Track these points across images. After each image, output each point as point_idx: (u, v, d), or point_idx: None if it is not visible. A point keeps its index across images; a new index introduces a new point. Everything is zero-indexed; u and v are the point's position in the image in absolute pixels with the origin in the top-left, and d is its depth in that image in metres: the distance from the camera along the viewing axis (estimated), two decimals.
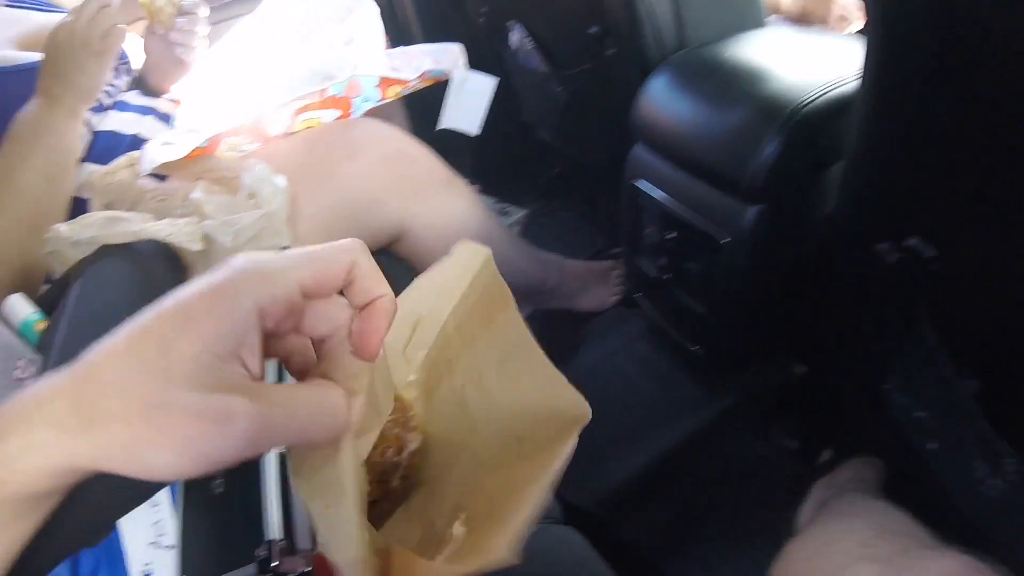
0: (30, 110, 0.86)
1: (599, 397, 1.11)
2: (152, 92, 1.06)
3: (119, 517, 0.52)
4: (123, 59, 1.07)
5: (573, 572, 0.60)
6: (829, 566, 0.55)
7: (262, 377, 0.28)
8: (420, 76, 0.96)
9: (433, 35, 1.08)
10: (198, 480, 0.55)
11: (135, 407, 0.24)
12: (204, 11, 1.00)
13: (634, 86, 0.98)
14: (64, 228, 0.72)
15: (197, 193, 0.78)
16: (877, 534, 0.55)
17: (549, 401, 0.43)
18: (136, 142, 0.95)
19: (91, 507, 0.50)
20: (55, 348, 0.52)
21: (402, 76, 0.93)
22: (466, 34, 1.52)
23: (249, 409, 0.25)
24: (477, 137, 1.10)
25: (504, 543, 0.31)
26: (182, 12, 0.98)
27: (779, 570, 0.60)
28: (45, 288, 0.78)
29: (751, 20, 0.98)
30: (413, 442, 0.48)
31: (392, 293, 0.32)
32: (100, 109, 0.98)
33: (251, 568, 0.51)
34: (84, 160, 0.92)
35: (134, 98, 1.03)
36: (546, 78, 1.21)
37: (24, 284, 0.75)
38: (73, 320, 0.56)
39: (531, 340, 0.44)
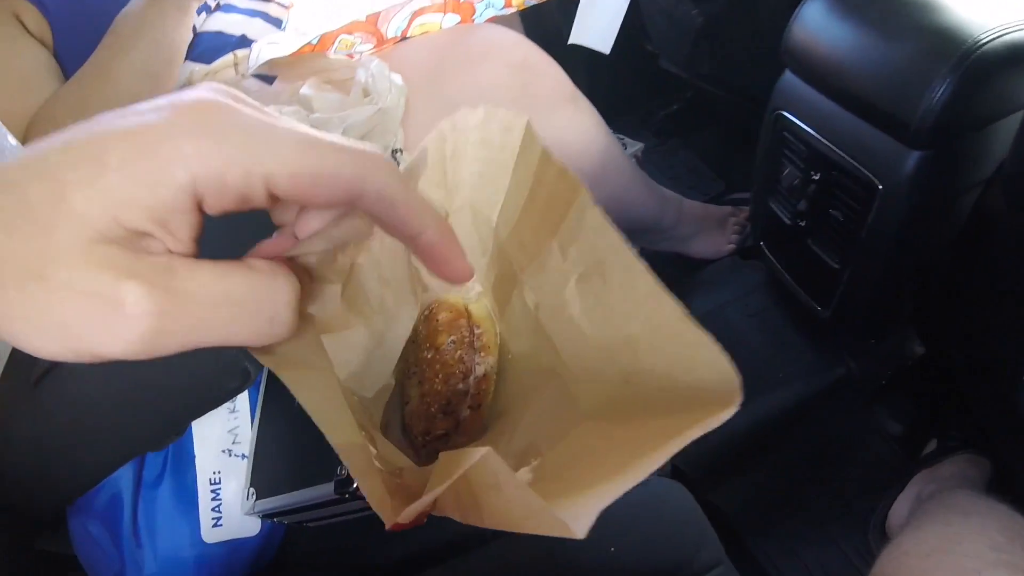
0: (137, 3, 0.84)
1: None
2: None
3: (190, 420, 0.49)
4: None
5: (679, 528, 0.56)
6: (956, 568, 0.48)
7: (192, 253, 0.21)
8: None
9: None
10: (279, 391, 0.51)
11: (9, 272, 0.19)
12: None
13: (781, 11, 0.86)
14: None
15: (306, 89, 0.72)
16: (1010, 539, 0.49)
17: (670, 349, 0.27)
18: (243, 43, 0.92)
19: (157, 408, 0.48)
20: None
21: None
22: None
23: (145, 301, 0.19)
24: (592, 62, 1.01)
25: (576, 514, 0.22)
26: None
27: (891, 563, 0.53)
28: None
29: None
30: (481, 365, 0.41)
31: (438, 224, 0.24)
32: (206, 9, 0.95)
33: (328, 487, 0.47)
34: (186, 59, 0.90)
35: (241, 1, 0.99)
36: (679, 0, 1.09)
37: None
38: None
39: (627, 251, 0.29)
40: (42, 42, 0.84)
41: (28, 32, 0.83)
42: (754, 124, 0.91)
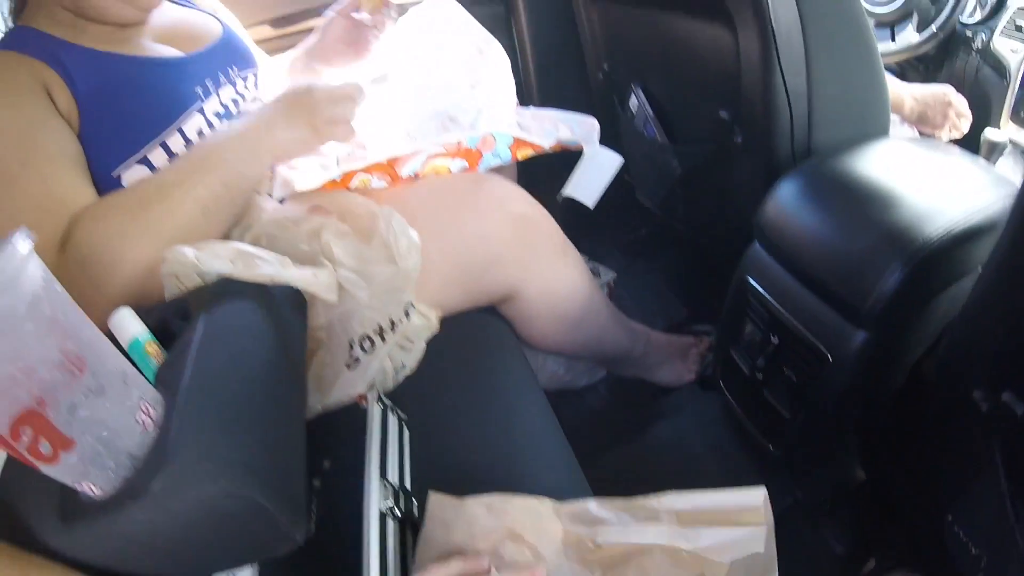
0: (219, 136, 0.85)
1: (665, 475, 1.12)
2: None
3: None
4: (252, 66, 1.08)
5: None
6: None
7: None
8: (554, 144, 0.96)
9: (547, 82, 1.07)
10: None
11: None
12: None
13: (756, 178, 0.98)
14: (190, 253, 0.69)
15: (328, 235, 0.78)
16: None
17: None
18: None
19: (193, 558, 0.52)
20: (182, 393, 0.50)
21: (536, 141, 0.93)
22: (580, 84, 1.57)
23: None
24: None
25: None
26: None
27: None
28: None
29: (879, 125, 0.97)
30: None
31: None
32: (227, 116, 0.98)
33: None
34: None
35: None
36: (661, 148, 1.21)
37: (139, 299, 0.73)
38: (200, 363, 0.54)
39: None
40: (69, 123, 0.83)
41: (58, 111, 0.82)
42: (716, 257, 1.00)
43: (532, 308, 0.98)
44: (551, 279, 0.97)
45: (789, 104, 0.89)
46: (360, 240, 0.80)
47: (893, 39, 1.40)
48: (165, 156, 0.87)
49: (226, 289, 0.67)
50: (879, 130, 0.97)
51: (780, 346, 0.90)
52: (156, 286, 0.71)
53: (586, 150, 0.96)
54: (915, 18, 1.37)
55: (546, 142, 0.93)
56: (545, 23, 1.60)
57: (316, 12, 1.60)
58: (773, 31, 0.84)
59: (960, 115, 1.23)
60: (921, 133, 1.27)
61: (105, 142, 0.83)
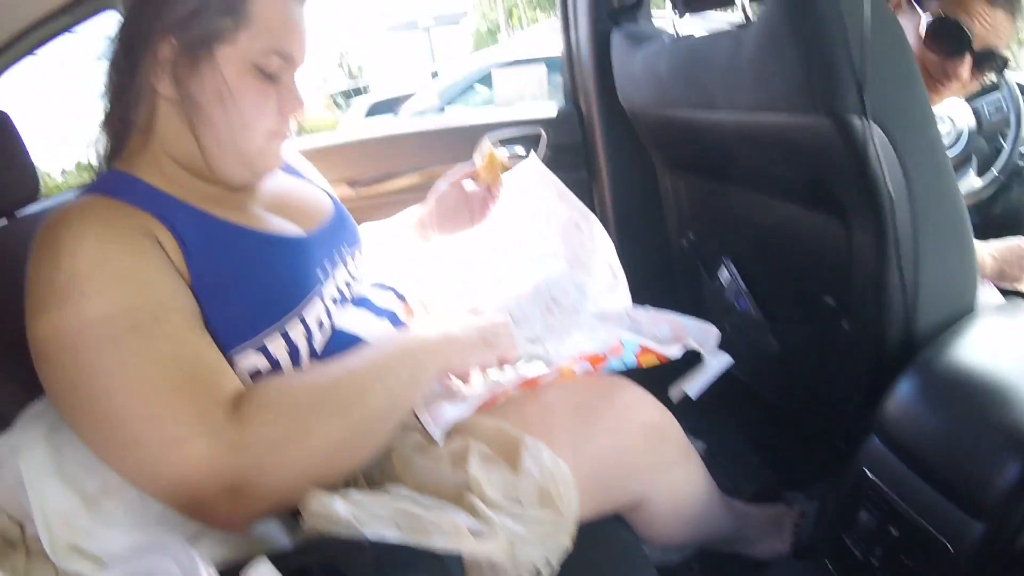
0: (386, 345, 0.84)
1: None
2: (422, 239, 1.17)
3: None
4: (359, 243, 1.07)
5: None
6: None
7: None
8: (677, 353, 0.96)
9: (627, 248, 1.11)
10: None
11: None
12: None
13: (861, 362, 0.99)
14: (343, 509, 0.64)
15: (474, 461, 0.76)
16: None
17: None
18: None
19: None
20: None
21: (663, 352, 0.93)
22: (661, 250, 1.62)
23: None
24: None
25: None
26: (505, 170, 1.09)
27: None
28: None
29: (971, 298, 0.99)
30: None
31: None
32: (343, 300, 0.93)
33: None
34: (313, 355, 0.86)
35: (375, 294, 0.99)
36: (756, 324, 1.22)
37: (288, 503, 0.70)
38: None
39: None
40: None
41: (174, 266, 0.76)
42: (809, 425, 0.99)
43: (657, 513, 0.96)
44: (677, 485, 0.97)
45: (904, 294, 0.91)
46: (508, 468, 0.78)
47: None
48: (285, 346, 0.81)
49: (390, 558, 0.61)
50: (971, 303, 0.99)
51: (899, 537, 0.88)
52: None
53: (706, 357, 0.96)
54: (975, 162, 1.41)
55: (670, 351, 0.94)
56: (627, 190, 1.68)
57: (394, 175, 1.74)
58: (894, 227, 0.88)
59: None
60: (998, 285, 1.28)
61: (219, 321, 0.77)
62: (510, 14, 20.17)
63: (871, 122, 0.84)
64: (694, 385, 0.94)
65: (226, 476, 0.65)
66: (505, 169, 1.12)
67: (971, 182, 1.40)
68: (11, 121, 1.11)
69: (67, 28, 1.45)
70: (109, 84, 0.84)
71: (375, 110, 9.20)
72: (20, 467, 0.70)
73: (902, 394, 0.88)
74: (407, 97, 8.79)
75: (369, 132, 1.91)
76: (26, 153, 1.13)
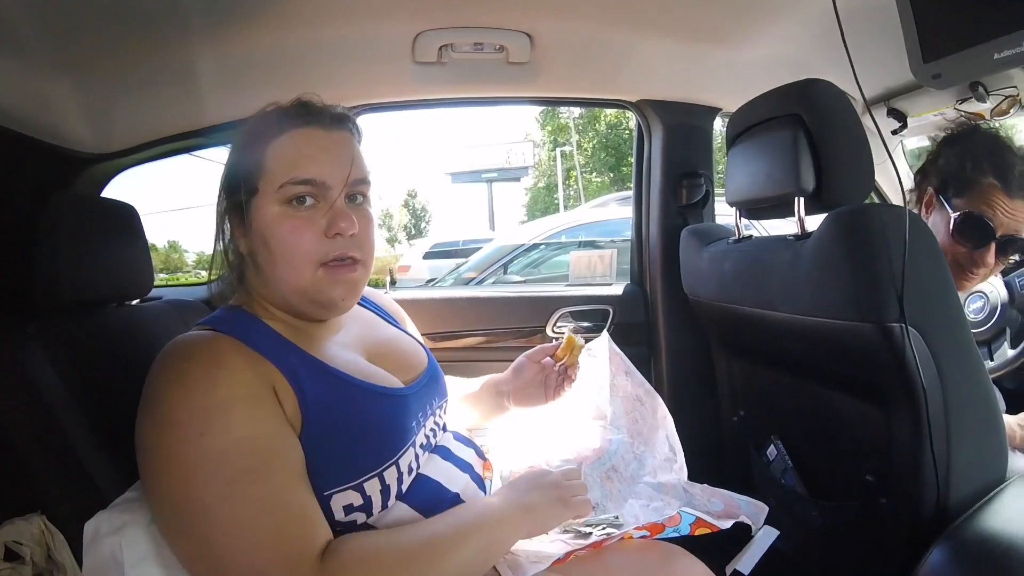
0: (477, 507, 0.92)
1: None
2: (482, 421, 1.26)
3: None
4: (447, 396, 1.15)
5: None
6: None
7: None
8: (728, 525, 1.03)
9: (680, 420, 1.20)
10: None
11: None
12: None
13: (898, 535, 1.09)
14: None
15: None
16: None
17: None
18: (456, 501, 0.97)
19: None
20: None
21: (716, 523, 1.00)
22: (712, 424, 1.73)
23: None
24: None
25: None
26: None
27: None
28: None
29: (1001, 470, 1.09)
30: None
31: None
32: (428, 447, 1.02)
33: None
34: (402, 501, 0.92)
35: (455, 445, 1.08)
36: (801, 499, 1.33)
37: None
38: None
39: None
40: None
41: (286, 416, 0.83)
42: None
43: None
44: None
45: (936, 473, 1.02)
46: None
47: (991, 357, 1.53)
48: (379, 486, 0.88)
49: None
50: (1002, 474, 1.09)
51: None
52: None
53: (757, 533, 1.03)
54: (1008, 334, 1.52)
55: (723, 524, 1.01)
56: (684, 367, 1.85)
57: (466, 334, 1.96)
58: (928, 416, 1.01)
59: None
60: None
61: (324, 464, 0.84)
62: (568, 174, 21.26)
63: (909, 327, 1.00)
64: (747, 562, 1.03)
65: None
66: (583, 348, 1.21)
67: (1006, 353, 1.51)
68: (138, 215, 1.26)
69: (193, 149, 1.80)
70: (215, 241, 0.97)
71: (433, 254, 9.64)
72: (122, 546, 0.79)
73: (934, 563, 0.97)
74: (465, 243, 9.20)
75: (451, 292, 2.14)
76: (146, 249, 1.27)
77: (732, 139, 1.42)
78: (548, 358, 1.24)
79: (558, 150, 21.08)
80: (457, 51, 1.54)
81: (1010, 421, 1.38)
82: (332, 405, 0.86)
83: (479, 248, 5.82)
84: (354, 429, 0.88)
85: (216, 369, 0.79)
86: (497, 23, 1.47)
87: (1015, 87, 1.53)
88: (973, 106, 1.62)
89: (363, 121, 1.04)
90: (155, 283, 1.32)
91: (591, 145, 21.04)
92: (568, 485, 0.96)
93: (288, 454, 0.80)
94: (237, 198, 0.90)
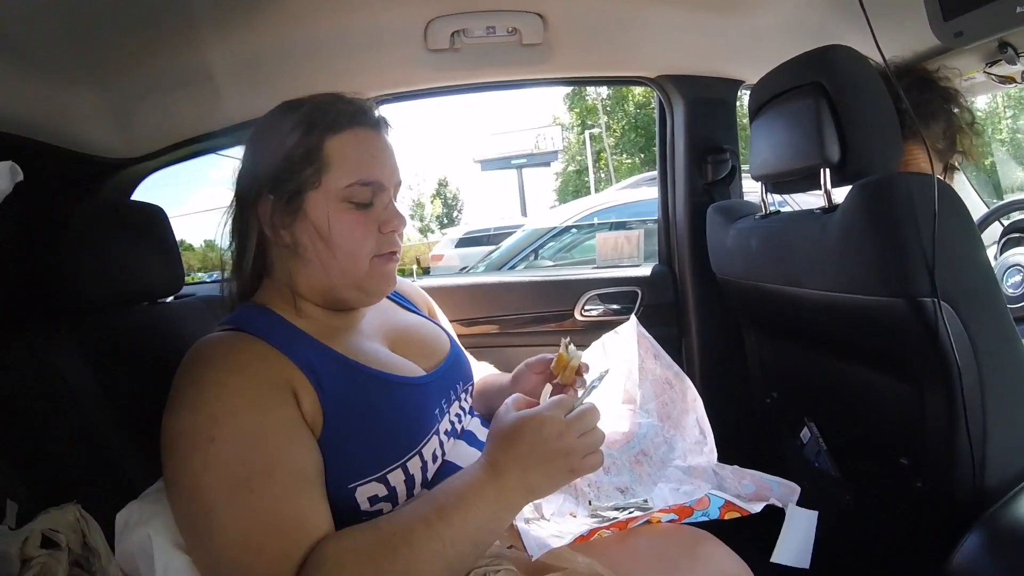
0: (466, 477, 0.83)
1: None
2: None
3: None
4: (471, 379, 1.15)
5: None
6: None
7: None
8: (759, 508, 1.01)
9: (712, 402, 1.16)
10: None
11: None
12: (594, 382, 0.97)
13: (933, 518, 1.06)
14: None
15: None
16: None
17: None
18: None
19: None
20: None
21: (746, 507, 0.99)
22: (745, 406, 1.70)
23: None
24: None
25: None
26: (580, 372, 1.12)
27: None
28: None
29: None
30: None
31: None
32: (453, 434, 1.01)
33: None
34: (426, 487, 0.91)
35: (482, 431, 1.07)
36: (835, 482, 1.30)
37: None
38: None
39: None
40: (312, 429, 0.83)
41: (304, 419, 0.83)
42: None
43: None
44: None
45: (972, 455, 0.99)
46: None
47: None
48: (403, 476, 0.88)
49: None
50: None
51: None
52: None
53: (788, 512, 1.02)
54: None
55: (753, 508, 0.99)
56: (714, 348, 1.82)
57: (494, 319, 1.96)
58: (962, 394, 0.97)
59: None
60: None
61: (347, 457, 0.84)
62: (598, 156, 21.11)
63: (941, 302, 0.96)
64: (795, 551, 0.98)
65: None
66: (577, 370, 1.10)
67: None
68: (165, 216, 1.28)
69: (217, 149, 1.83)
70: (232, 236, 0.97)
71: (464, 242, 9.67)
72: (150, 535, 0.82)
73: (968, 550, 0.94)
74: (496, 230, 9.19)
75: (479, 278, 2.13)
76: (175, 249, 1.29)
77: (754, 111, 1.38)
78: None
79: (587, 132, 20.91)
80: (470, 36, 1.53)
81: None
82: (352, 399, 0.87)
83: (511, 234, 5.82)
84: (375, 422, 0.88)
85: (229, 375, 0.81)
86: (508, 5, 1.45)
87: None
88: (1003, 68, 1.54)
89: (387, 111, 1.04)
90: (193, 281, 1.34)
91: (620, 126, 20.80)
92: (576, 445, 0.81)
93: (295, 461, 0.80)
94: (289, 188, 0.91)
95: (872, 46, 0.96)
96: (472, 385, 1.14)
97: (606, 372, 0.98)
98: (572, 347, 1.12)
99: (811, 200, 1.55)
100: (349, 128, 0.93)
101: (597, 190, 18.19)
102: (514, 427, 0.82)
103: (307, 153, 0.91)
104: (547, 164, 19.99)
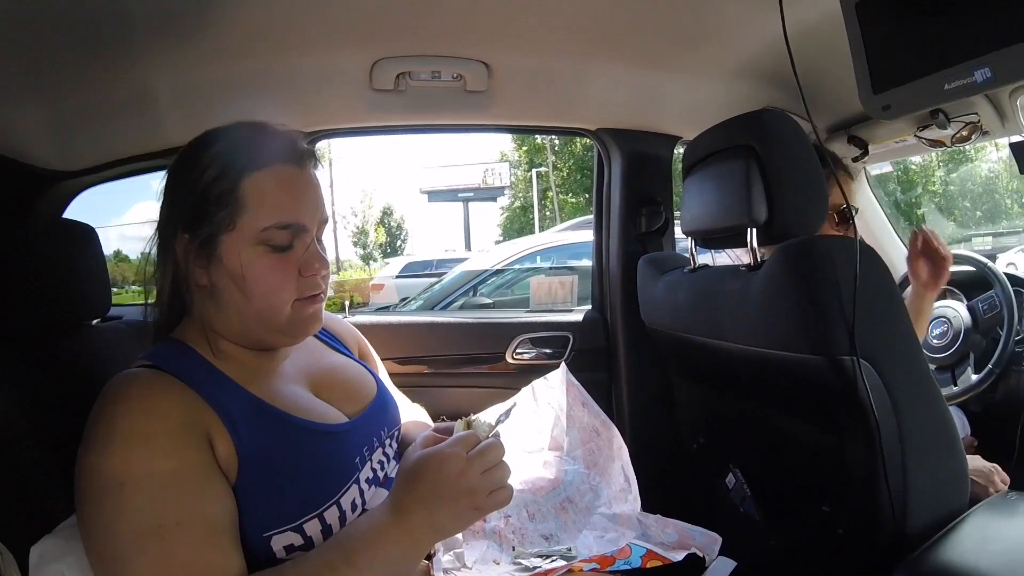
0: (373, 522, 0.81)
1: None
2: None
3: None
4: (398, 424, 1.11)
5: None
6: None
7: None
8: (680, 558, 1.02)
9: (640, 447, 1.16)
10: None
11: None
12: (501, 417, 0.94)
13: (857, 566, 1.09)
14: None
15: None
16: None
17: None
18: None
19: None
20: None
21: (668, 555, 1.00)
22: (673, 451, 1.72)
23: None
24: None
25: None
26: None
27: None
28: None
29: (961, 499, 1.09)
30: None
31: None
32: (375, 482, 0.98)
33: None
34: None
35: None
36: (759, 527, 1.33)
37: None
38: None
39: None
40: (227, 476, 0.81)
41: (219, 464, 0.81)
42: None
43: None
44: None
45: (892, 504, 1.02)
46: None
47: (955, 383, 1.55)
48: (320, 527, 0.86)
49: None
50: (963, 504, 1.08)
51: None
52: None
53: (710, 564, 1.03)
54: (972, 359, 1.54)
55: (677, 557, 1.01)
56: (643, 393, 1.85)
57: (425, 359, 1.93)
58: (881, 447, 1.00)
59: (1004, 481, 1.40)
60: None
61: (262, 505, 0.82)
62: (544, 195, 21.37)
63: (860, 359, 0.99)
64: None
65: None
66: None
67: (969, 378, 1.54)
68: (96, 236, 1.24)
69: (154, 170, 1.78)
70: (155, 268, 0.93)
71: (408, 270, 9.63)
72: (64, 573, 0.81)
73: None
74: (440, 263, 9.19)
75: (412, 317, 2.13)
76: (104, 270, 1.25)
77: (687, 168, 1.43)
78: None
79: (534, 171, 21.21)
80: (415, 79, 1.54)
81: (983, 466, 1.41)
82: (269, 446, 0.85)
83: (453, 267, 5.82)
84: (292, 471, 0.86)
85: (143, 417, 0.79)
86: (454, 52, 1.47)
87: (976, 114, 1.54)
88: (934, 133, 1.63)
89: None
90: (121, 303, 1.29)
91: (567, 166, 21.16)
92: (480, 483, 0.79)
93: (208, 509, 0.78)
94: (204, 230, 0.87)
95: (803, 111, 1.00)
96: (399, 430, 1.10)
97: (512, 407, 0.99)
98: (478, 420, 0.97)
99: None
100: (268, 166, 0.88)
101: (542, 228, 18.41)
102: (416, 466, 0.81)
103: (222, 194, 0.86)
104: (494, 199, 20.18)
